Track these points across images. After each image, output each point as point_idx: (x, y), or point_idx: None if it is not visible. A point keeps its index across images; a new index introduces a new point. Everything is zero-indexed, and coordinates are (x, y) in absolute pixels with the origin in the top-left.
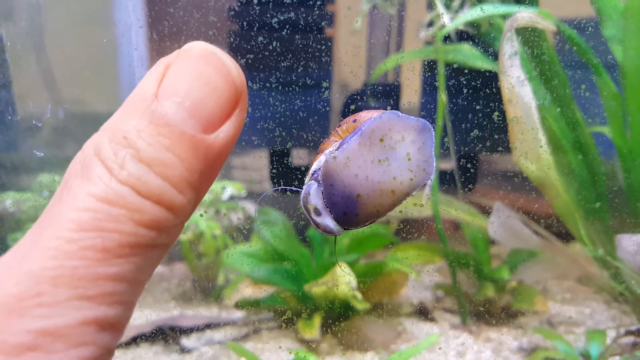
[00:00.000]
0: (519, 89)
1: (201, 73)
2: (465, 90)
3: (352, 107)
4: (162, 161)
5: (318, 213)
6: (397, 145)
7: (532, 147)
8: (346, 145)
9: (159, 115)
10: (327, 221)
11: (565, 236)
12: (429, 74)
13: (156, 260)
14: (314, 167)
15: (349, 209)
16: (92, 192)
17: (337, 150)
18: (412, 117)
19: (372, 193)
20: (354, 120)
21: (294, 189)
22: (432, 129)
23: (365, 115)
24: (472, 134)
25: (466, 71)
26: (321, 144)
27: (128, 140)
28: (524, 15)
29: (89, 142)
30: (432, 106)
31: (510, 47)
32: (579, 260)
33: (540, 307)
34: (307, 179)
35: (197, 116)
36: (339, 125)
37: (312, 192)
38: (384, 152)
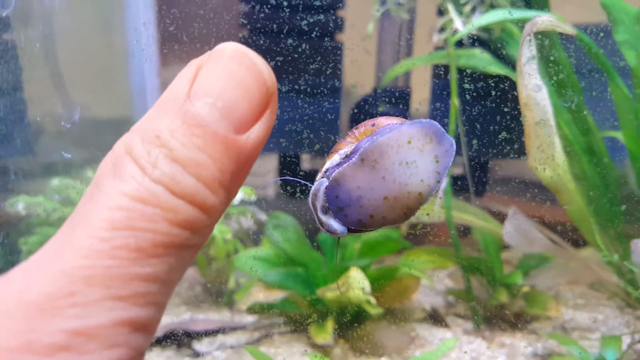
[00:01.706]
0: (535, 93)
1: (233, 74)
2: (476, 95)
3: (354, 110)
4: (196, 161)
5: (325, 212)
6: (424, 148)
7: (548, 152)
8: (371, 144)
9: (191, 115)
10: (332, 221)
11: (577, 242)
12: (439, 79)
13: (188, 260)
14: (326, 166)
15: (374, 211)
16: (125, 191)
17: (355, 152)
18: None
19: (400, 195)
20: (373, 124)
21: (301, 181)
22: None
23: (384, 121)
24: (484, 139)
25: (477, 76)
26: (336, 144)
27: (161, 139)
28: (544, 19)
29: (119, 142)
30: (443, 111)
31: (528, 51)
32: (591, 266)
33: (553, 313)
34: (318, 176)
35: (230, 117)
36: (356, 128)
37: (322, 190)
38: (412, 154)
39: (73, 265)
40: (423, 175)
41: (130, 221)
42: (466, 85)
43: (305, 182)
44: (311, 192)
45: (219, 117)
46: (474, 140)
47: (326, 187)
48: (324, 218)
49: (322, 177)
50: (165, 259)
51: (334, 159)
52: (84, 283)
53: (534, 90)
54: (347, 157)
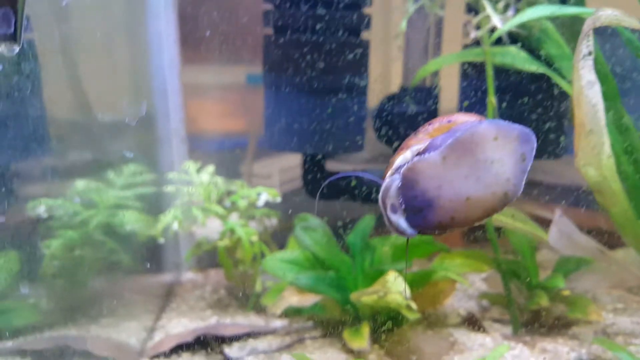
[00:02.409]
0: (588, 90)
1: None
2: (512, 94)
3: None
4: None
5: (395, 211)
6: (511, 146)
7: (594, 151)
8: (453, 141)
9: None
10: (402, 220)
11: (611, 246)
12: (468, 77)
13: None
14: (398, 162)
15: (455, 213)
16: None
17: (431, 149)
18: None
19: (484, 195)
20: (449, 121)
21: (371, 177)
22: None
23: (461, 118)
24: None
25: (508, 75)
26: (407, 140)
27: None
28: (608, 13)
29: None
30: (474, 110)
31: (586, 47)
32: (632, 270)
33: (594, 317)
34: (388, 173)
35: None
36: (430, 124)
37: (393, 188)
38: (498, 152)
39: None
40: (509, 174)
41: None
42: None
43: (376, 179)
44: (382, 188)
45: None
46: None
47: (402, 187)
48: (393, 217)
49: (394, 174)
50: None
51: (406, 155)
52: None
53: (587, 88)
54: (421, 154)
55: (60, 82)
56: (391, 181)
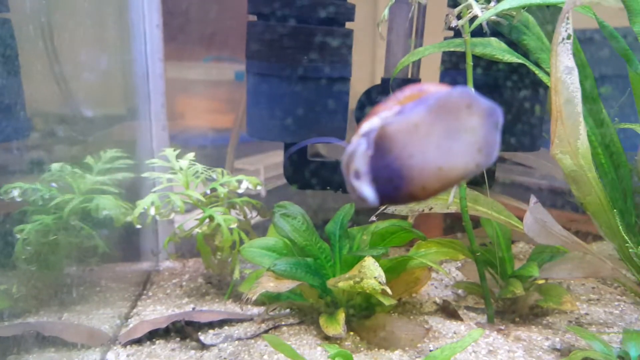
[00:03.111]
0: (566, 76)
1: None
2: (491, 84)
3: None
4: None
5: (358, 177)
6: (485, 114)
7: (570, 140)
8: (425, 107)
9: None
10: (365, 187)
11: (586, 237)
12: (449, 68)
13: None
14: (365, 127)
15: (427, 182)
16: None
17: (402, 113)
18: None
19: (456, 165)
20: (420, 89)
21: (339, 142)
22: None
23: (432, 88)
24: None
25: (489, 65)
26: (375, 106)
27: None
28: None
29: None
30: None
31: (564, 30)
32: (606, 260)
33: (568, 307)
34: (354, 138)
35: None
36: (400, 91)
37: (358, 153)
38: (472, 120)
39: None
40: (482, 144)
41: None
42: (478, 70)
43: (342, 143)
44: (346, 152)
45: None
46: None
47: (373, 155)
48: (356, 183)
49: (360, 139)
50: None
51: (374, 121)
52: None
53: (565, 73)
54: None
55: (38, 63)
56: (356, 145)
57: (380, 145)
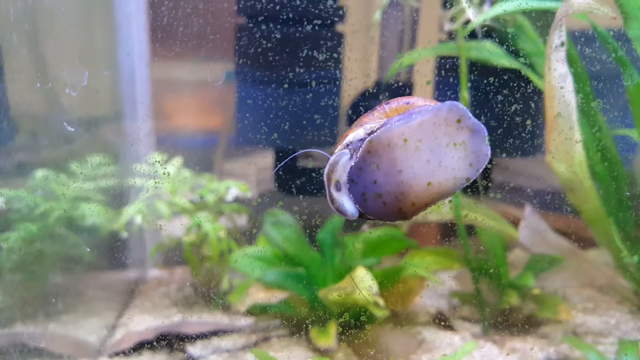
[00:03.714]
0: (560, 83)
1: None
2: (484, 90)
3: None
4: None
5: (338, 188)
6: (475, 128)
7: (566, 147)
8: (415, 122)
9: None
10: (345, 199)
11: (582, 245)
12: (443, 72)
13: None
14: (349, 138)
15: (417, 198)
16: None
17: (395, 124)
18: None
19: (446, 180)
20: (407, 102)
21: (322, 152)
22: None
23: (419, 101)
24: (492, 135)
25: (483, 70)
26: (362, 117)
27: None
28: (580, 0)
29: None
30: None
31: (558, 37)
32: (602, 269)
33: (564, 316)
34: (337, 148)
35: None
36: (387, 103)
37: (340, 164)
38: (462, 134)
39: None
40: (472, 159)
41: None
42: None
43: (326, 155)
44: (329, 163)
45: None
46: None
47: (359, 170)
48: (336, 195)
49: (343, 150)
50: None
51: (358, 132)
52: None
53: (559, 80)
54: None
55: (19, 63)
56: (339, 156)
57: (368, 159)
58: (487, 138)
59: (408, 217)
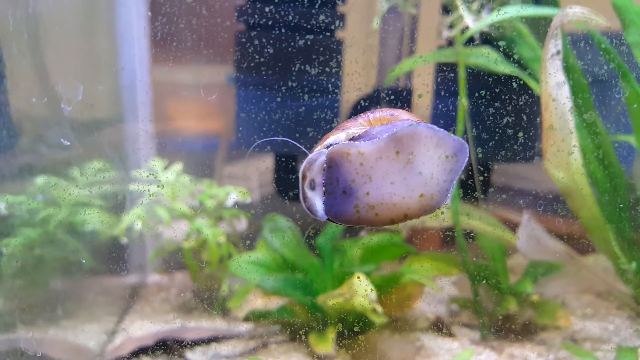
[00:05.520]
0: (556, 91)
1: None
2: (483, 95)
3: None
4: None
5: (312, 187)
6: (442, 154)
7: (563, 154)
8: (408, 133)
9: None
10: (318, 199)
11: (580, 251)
12: (441, 78)
13: None
14: (330, 140)
15: (409, 210)
16: None
17: (373, 137)
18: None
19: (438, 193)
20: (391, 114)
21: (300, 147)
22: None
23: (403, 115)
24: (491, 141)
25: (482, 76)
26: (345, 121)
27: None
28: (575, 10)
29: None
30: (445, 112)
31: (553, 46)
32: (601, 275)
33: (563, 323)
34: (317, 148)
35: None
36: (371, 112)
37: (317, 163)
38: (433, 157)
39: None
40: (440, 181)
41: None
42: (482, 92)
43: (304, 150)
44: (306, 160)
45: None
46: (478, 148)
47: (329, 169)
48: (309, 194)
49: (322, 149)
50: None
51: (340, 135)
52: None
53: (555, 89)
54: (355, 139)
55: (20, 70)
56: (317, 155)
57: (337, 162)
58: (456, 165)
59: (368, 226)
